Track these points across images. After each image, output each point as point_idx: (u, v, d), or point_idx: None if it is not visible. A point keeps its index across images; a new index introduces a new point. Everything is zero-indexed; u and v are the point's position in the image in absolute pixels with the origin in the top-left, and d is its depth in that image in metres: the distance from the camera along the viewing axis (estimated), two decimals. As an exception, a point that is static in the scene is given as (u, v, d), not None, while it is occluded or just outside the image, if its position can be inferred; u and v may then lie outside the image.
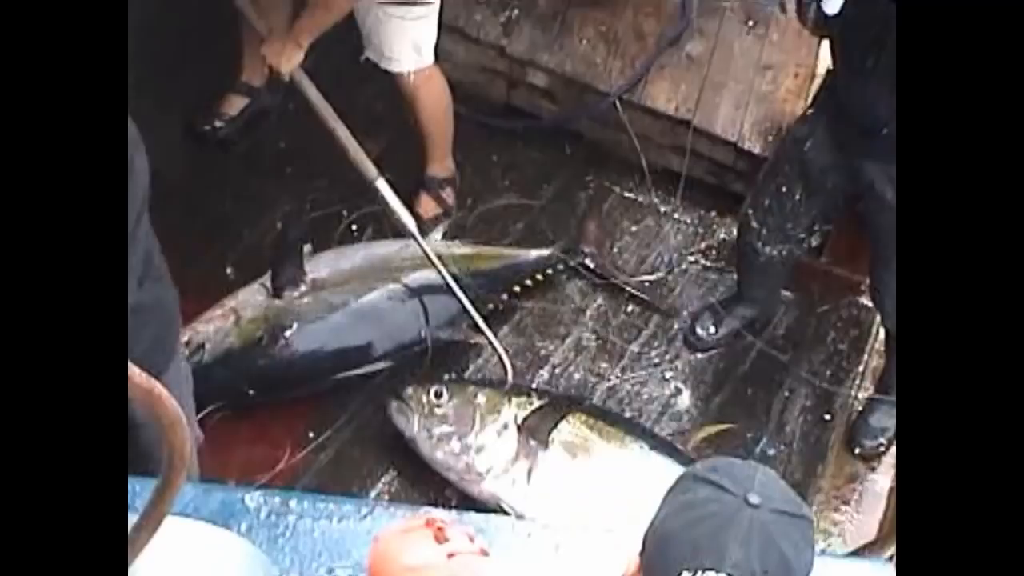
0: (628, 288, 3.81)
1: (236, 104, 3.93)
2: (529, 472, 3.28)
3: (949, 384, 1.37)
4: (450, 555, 1.76)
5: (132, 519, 1.34)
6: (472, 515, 2.50)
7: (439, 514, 2.14)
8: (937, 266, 1.38)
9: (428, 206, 3.84)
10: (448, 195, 3.88)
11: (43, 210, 1.15)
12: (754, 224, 3.43)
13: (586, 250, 3.82)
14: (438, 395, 3.31)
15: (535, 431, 3.28)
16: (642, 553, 1.52)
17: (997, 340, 1.34)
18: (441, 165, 3.83)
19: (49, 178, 1.16)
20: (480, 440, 3.29)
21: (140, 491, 1.38)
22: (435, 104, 3.66)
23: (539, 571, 1.91)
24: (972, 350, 1.35)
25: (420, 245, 3.44)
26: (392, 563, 1.81)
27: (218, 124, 3.91)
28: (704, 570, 1.42)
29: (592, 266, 3.82)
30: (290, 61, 3.38)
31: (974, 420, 1.36)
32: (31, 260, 1.14)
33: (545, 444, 3.27)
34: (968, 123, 1.37)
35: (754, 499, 1.45)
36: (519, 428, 3.30)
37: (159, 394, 1.19)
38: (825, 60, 4.10)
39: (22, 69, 1.17)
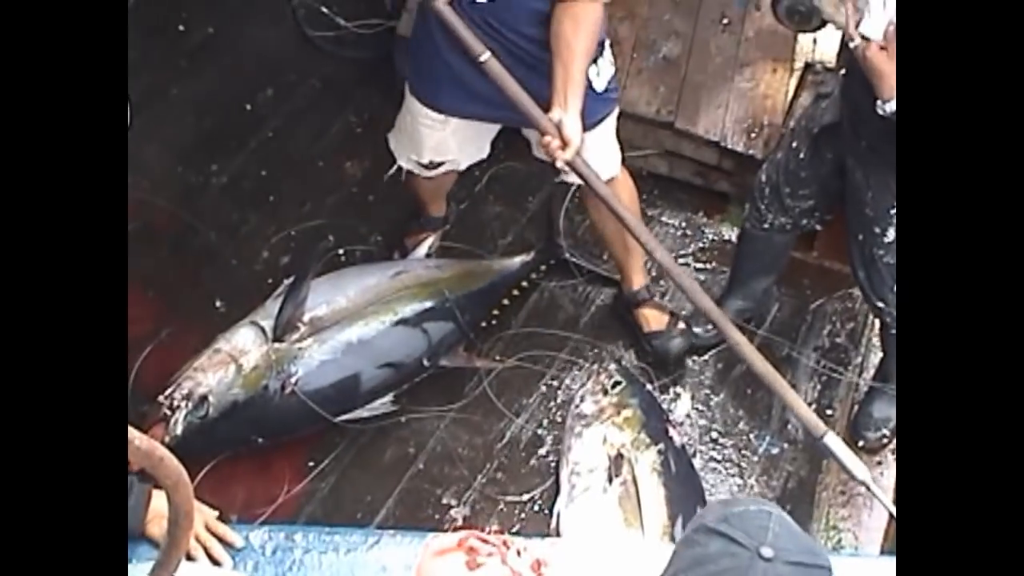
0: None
1: None
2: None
3: (948, 381, 1.36)
4: None
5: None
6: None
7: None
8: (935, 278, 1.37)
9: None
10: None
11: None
12: (763, 179, 3.39)
13: (562, 243, 3.80)
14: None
15: None
16: None
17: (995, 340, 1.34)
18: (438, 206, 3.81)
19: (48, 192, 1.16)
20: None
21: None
22: None
23: None
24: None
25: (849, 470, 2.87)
26: None
27: None
28: None
29: (574, 259, 3.81)
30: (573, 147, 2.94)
31: (973, 419, 1.35)
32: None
33: None
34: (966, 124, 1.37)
35: (767, 552, 1.42)
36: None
37: (161, 456, 1.17)
38: (802, 54, 4.12)
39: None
